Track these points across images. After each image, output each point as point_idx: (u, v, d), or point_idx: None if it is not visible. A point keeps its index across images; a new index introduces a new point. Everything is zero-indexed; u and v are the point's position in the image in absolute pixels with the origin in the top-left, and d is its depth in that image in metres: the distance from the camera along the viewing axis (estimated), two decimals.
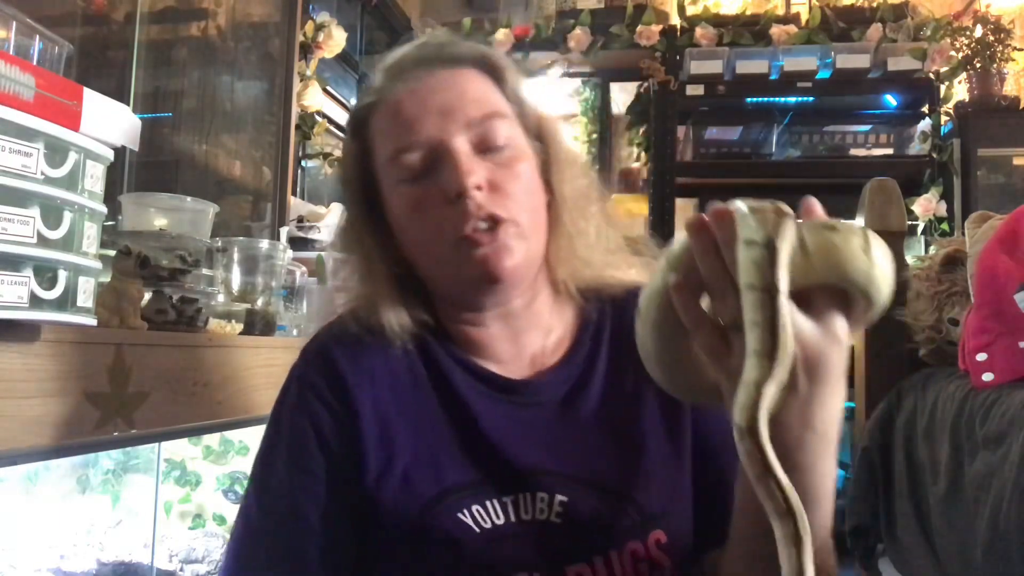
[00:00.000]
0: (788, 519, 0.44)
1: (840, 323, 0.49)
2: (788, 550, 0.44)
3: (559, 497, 0.68)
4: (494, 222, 0.67)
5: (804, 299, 0.49)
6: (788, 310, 0.46)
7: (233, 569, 0.70)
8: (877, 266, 0.49)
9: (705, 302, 0.51)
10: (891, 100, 3.12)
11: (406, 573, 0.67)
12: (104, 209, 0.88)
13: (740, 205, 0.48)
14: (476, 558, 0.66)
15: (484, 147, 0.69)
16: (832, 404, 0.50)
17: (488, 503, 0.68)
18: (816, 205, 0.51)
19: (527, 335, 0.75)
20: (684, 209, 3.14)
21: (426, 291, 0.75)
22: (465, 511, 0.67)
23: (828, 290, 0.49)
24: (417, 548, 0.67)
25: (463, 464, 0.69)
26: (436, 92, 0.69)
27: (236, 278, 1.35)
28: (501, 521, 0.67)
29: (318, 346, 0.75)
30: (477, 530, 0.66)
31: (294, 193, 2.27)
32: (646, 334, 0.56)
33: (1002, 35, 2.90)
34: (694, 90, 3.04)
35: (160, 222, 1.20)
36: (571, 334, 0.76)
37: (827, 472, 0.51)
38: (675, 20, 3.17)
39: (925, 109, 2.99)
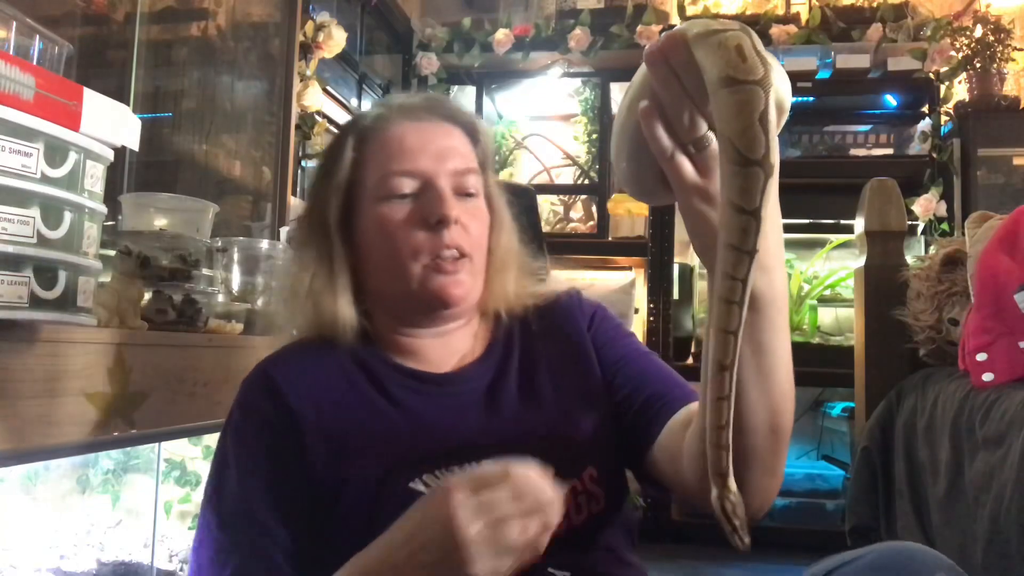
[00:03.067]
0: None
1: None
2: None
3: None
4: (460, 254, 0.81)
5: None
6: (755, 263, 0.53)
7: None
8: (781, 80, 0.55)
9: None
10: (891, 100, 3.12)
11: (362, 538, 0.71)
12: (104, 209, 0.88)
13: (690, 28, 0.52)
14: None
15: (460, 192, 0.83)
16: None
17: (437, 472, 0.76)
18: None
19: (457, 342, 0.87)
20: None
21: (369, 304, 0.86)
22: (416, 480, 0.75)
23: None
24: (373, 516, 0.73)
25: (409, 448, 0.78)
26: (436, 138, 0.83)
27: (236, 278, 1.35)
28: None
29: (255, 373, 0.84)
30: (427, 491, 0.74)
31: (294, 193, 2.26)
32: (620, 159, 0.64)
33: (1002, 35, 2.90)
34: None
35: (160, 222, 1.20)
36: (489, 336, 0.90)
37: (782, 249, 0.64)
38: (675, 20, 3.16)
39: (925, 109, 2.99)
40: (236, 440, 0.79)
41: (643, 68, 0.57)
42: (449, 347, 0.86)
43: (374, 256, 0.83)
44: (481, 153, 0.88)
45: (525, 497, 0.59)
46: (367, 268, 0.84)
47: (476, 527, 0.58)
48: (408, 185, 0.81)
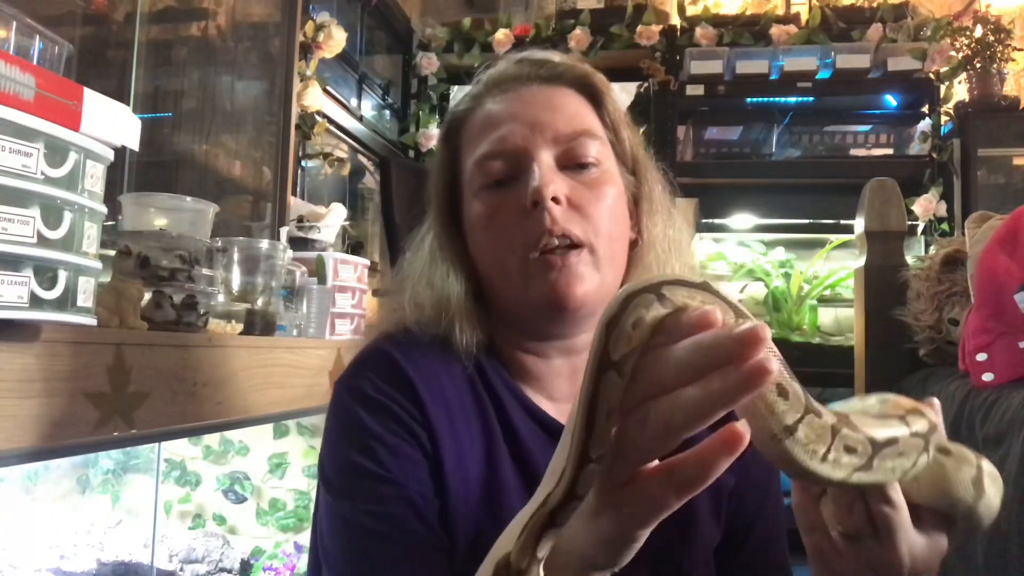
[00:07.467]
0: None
1: (942, 541, 0.50)
2: None
3: None
4: (569, 243, 0.64)
5: (915, 513, 0.48)
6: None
7: None
8: (985, 499, 0.49)
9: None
10: (891, 100, 3.12)
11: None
12: (104, 209, 0.88)
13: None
14: None
15: (570, 162, 0.67)
16: None
17: None
18: (934, 404, 0.50)
19: None
20: (684, 209, 3.14)
21: (490, 310, 0.72)
22: None
23: (936, 509, 0.49)
24: (476, 543, 0.62)
25: (522, 499, 0.62)
26: (530, 106, 0.69)
27: (236, 278, 1.35)
28: None
29: (379, 355, 0.69)
30: None
31: (294, 193, 2.26)
32: None
33: (1002, 35, 2.90)
34: (694, 90, 3.04)
35: (160, 222, 1.19)
36: None
37: None
38: (675, 20, 3.17)
39: (925, 109, 2.99)
40: (374, 422, 0.64)
41: None
42: (577, 380, 0.68)
43: (479, 256, 0.70)
44: (607, 115, 0.72)
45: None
46: (482, 272, 0.71)
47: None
48: (498, 169, 0.67)
